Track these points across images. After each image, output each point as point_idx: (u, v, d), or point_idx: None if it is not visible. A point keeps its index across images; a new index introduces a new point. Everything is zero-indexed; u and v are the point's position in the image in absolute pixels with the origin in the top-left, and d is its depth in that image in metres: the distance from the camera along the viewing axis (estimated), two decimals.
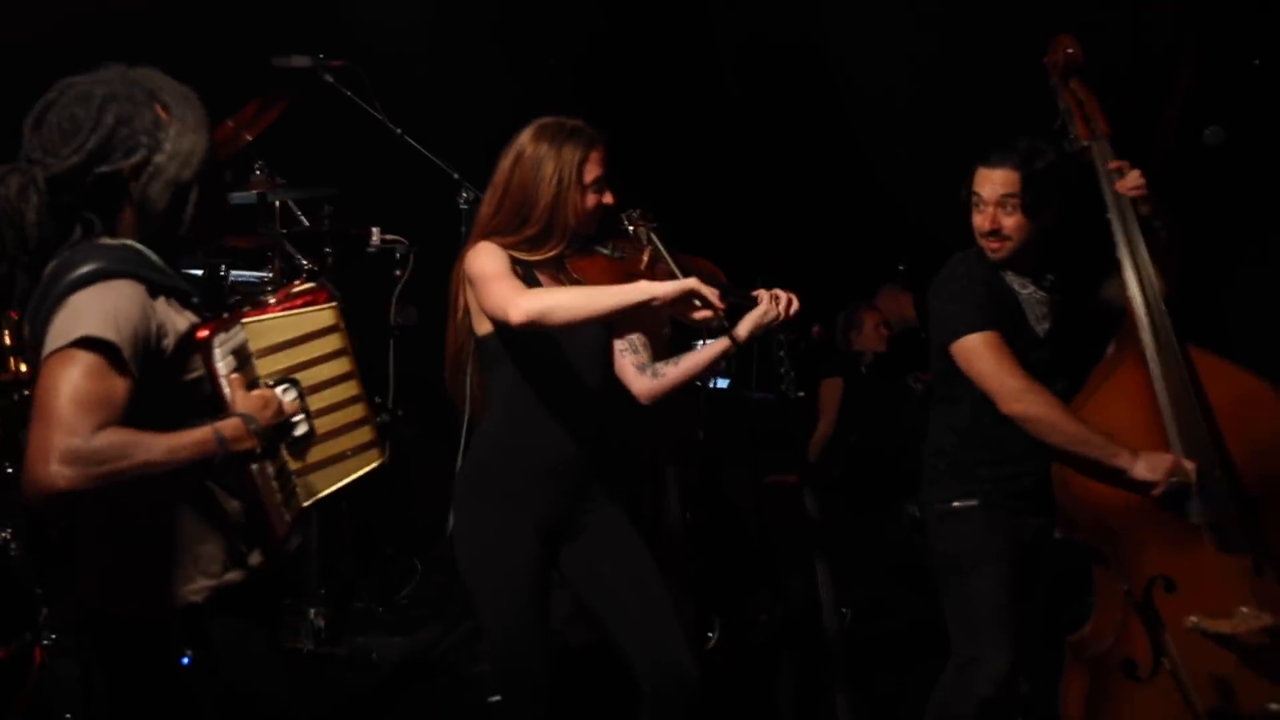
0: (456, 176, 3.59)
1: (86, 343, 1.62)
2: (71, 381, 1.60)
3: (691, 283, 2.27)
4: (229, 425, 1.72)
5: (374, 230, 3.79)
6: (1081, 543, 2.73)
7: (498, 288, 2.31)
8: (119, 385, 1.64)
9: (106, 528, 1.81)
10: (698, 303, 2.28)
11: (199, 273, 3.67)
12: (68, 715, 2.72)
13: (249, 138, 3.97)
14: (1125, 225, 2.63)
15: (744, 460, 4.06)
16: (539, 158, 2.42)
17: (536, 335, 2.36)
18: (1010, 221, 2.68)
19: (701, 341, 2.71)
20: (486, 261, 2.38)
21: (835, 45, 5.75)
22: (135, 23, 3.95)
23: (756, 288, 2.51)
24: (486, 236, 2.46)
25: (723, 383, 5.02)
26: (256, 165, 3.71)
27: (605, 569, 2.50)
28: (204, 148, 1.80)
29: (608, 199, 2.48)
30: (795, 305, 2.48)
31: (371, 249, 3.82)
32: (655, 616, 2.48)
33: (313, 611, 3.53)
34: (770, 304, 2.47)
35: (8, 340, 3.02)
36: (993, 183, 2.69)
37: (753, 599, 3.55)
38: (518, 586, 2.44)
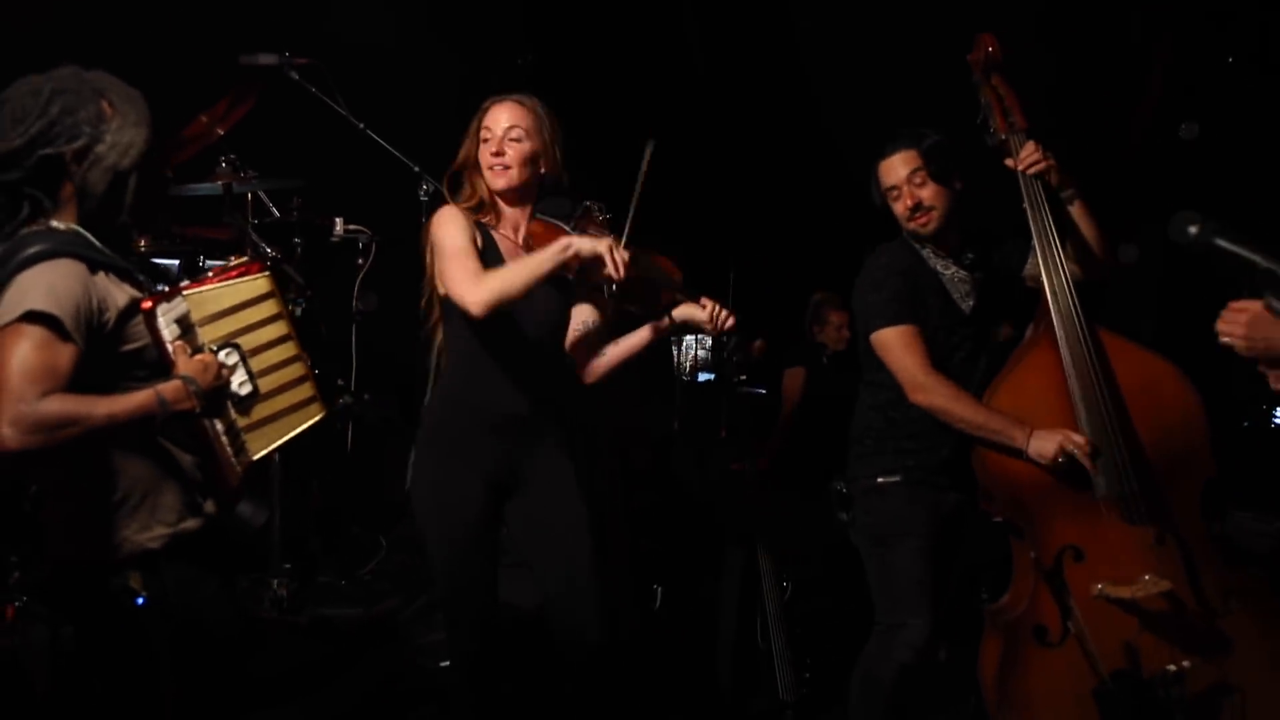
0: (417, 169, 3.74)
1: (31, 316, 1.78)
2: (19, 353, 1.76)
3: (605, 244, 2.44)
4: (169, 388, 1.89)
5: (338, 221, 3.94)
6: (998, 516, 2.90)
7: (454, 271, 2.49)
8: (63, 354, 1.80)
9: (65, 483, 1.96)
10: (606, 264, 2.44)
11: (175, 262, 3.83)
12: None
13: (220, 132, 4.12)
14: (1038, 214, 2.77)
15: (704, 445, 4.21)
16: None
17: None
18: (926, 192, 2.85)
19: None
20: (446, 233, 2.55)
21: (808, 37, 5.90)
22: (107, 23, 4.09)
23: (708, 296, 2.67)
24: (451, 200, 2.65)
25: (706, 376, 5.21)
26: (224, 158, 3.85)
27: (538, 528, 2.67)
28: (143, 141, 1.97)
29: (494, 150, 2.60)
30: (729, 324, 2.63)
31: (335, 239, 3.96)
32: (573, 582, 2.64)
33: (276, 582, 3.67)
34: (707, 311, 2.63)
35: None
36: (896, 167, 2.86)
37: (694, 572, 3.71)
38: (461, 529, 2.61)
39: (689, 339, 5.49)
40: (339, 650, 3.52)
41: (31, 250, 1.84)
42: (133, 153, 1.94)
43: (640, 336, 2.76)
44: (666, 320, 2.66)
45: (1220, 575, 2.76)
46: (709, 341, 5.46)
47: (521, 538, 2.70)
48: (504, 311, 2.51)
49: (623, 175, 2.63)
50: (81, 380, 1.82)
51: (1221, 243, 1.88)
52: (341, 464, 4.27)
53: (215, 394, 1.98)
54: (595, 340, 2.79)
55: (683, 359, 5.49)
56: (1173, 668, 2.70)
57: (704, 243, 5.41)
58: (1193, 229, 1.93)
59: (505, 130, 2.60)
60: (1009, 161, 2.80)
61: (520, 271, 2.47)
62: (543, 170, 2.66)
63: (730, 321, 2.64)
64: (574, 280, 2.63)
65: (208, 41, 4.17)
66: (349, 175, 4.08)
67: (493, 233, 2.64)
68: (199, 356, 1.97)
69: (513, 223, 2.69)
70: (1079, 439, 2.70)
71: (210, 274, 2.14)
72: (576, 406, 2.77)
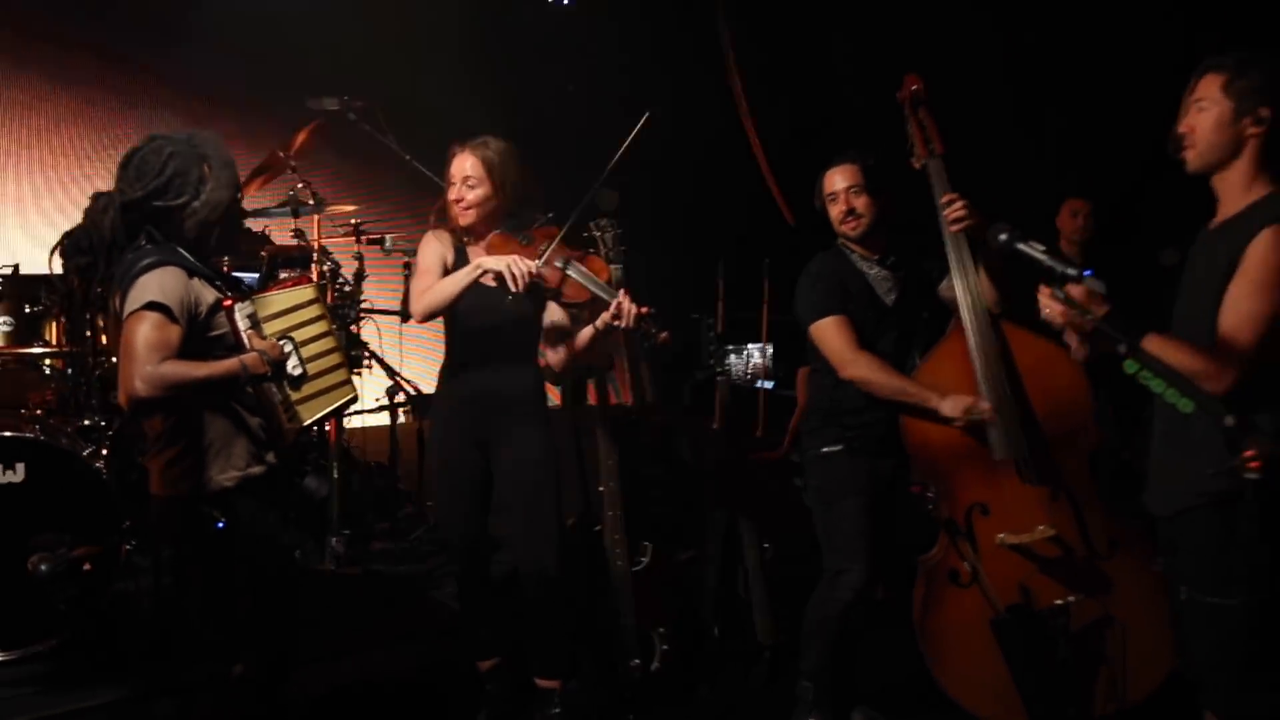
0: None
1: (151, 305, 2.47)
2: (143, 331, 2.45)
3: (505, 263, 3.05)
4: (249, 358, 2.57)
5: (388, 237, 4.62)
6: (918, 480, 3.44)
7: (412, 287, 3.27)
8: (173, 332, 2.48)
9: (166, 435, 2.65)
10: (507, 279, 3.05)
11: (255, 275, 4.56)
12: None
13: (293, 164, 4.84)
14: (957, 248, 3.26)
15: (702, 431, 4.78)
16: None
17: (461, 306, 3.21)
18: (860, 202, 3.41)
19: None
20: (421, 255, 3.29)
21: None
22: (207, 74, 4.85)
23: (625, 293, 3.25)
24: (438, 225, 3.37)
25: (765, 384, 5.79)
26: (292, 186, 4.56)
27: (507, 480, 3.34)
28: (229, 201, 2.66)
29: (454, 196, 3.28)
30: (633, 315, 3.19)
31: (385, 250, 4.65)
32: (532, 520, 3.30)
33: (334, 540, 4.37)
34: (614, 312, 3.21)
35: (100, 321, 3.91)
36: (838, 178, 3.43)
37: (681, 535, 4.32)
38: (452, 476, 3.35)
39: (750, 349, 6.07)
40: (381, 594, 4.20)
41: (147, 260, 2.54)
42: (220, 209, 2.64)
43: (587, 333, 3.40)
44: (599, 324, 3.29)
45: (1105, 526, 3.24)
46: (769, 350, 6.05)
47: (496, 486, 3.37)
48: (471, 308, 3.21)
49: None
50: (183, 354, 2.50)
51: (1020, 247, 2.45)
52: (394, 447, 4.96)
53: (278, 366, 2.65)
54: (557, 336, 3.44)
55: (746, 368, 6.07)
56: (1060, 602, 3.20)
57: (739, 248, 5.92)
58: (1002, 236, 2.50)
59: (463, 179, 3.28)
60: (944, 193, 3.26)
61: (446, 287, 3.17)
62: (499, 204, 3.31)
63: (633, 315, 3.19)
64: (529, 289, 3.20)
65: (282, 88, 4.87)
66: (399, 198, 4.73)
67: (468, 249, 3.33)
68: (266, 340, 2.64)
69: (482, 239, 3.35)
70: (984, 404, 3.20)
71: (272, 285, 2.84)
72: (541, 385, 3.39)
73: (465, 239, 3.36)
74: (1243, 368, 2.37)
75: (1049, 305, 2.44)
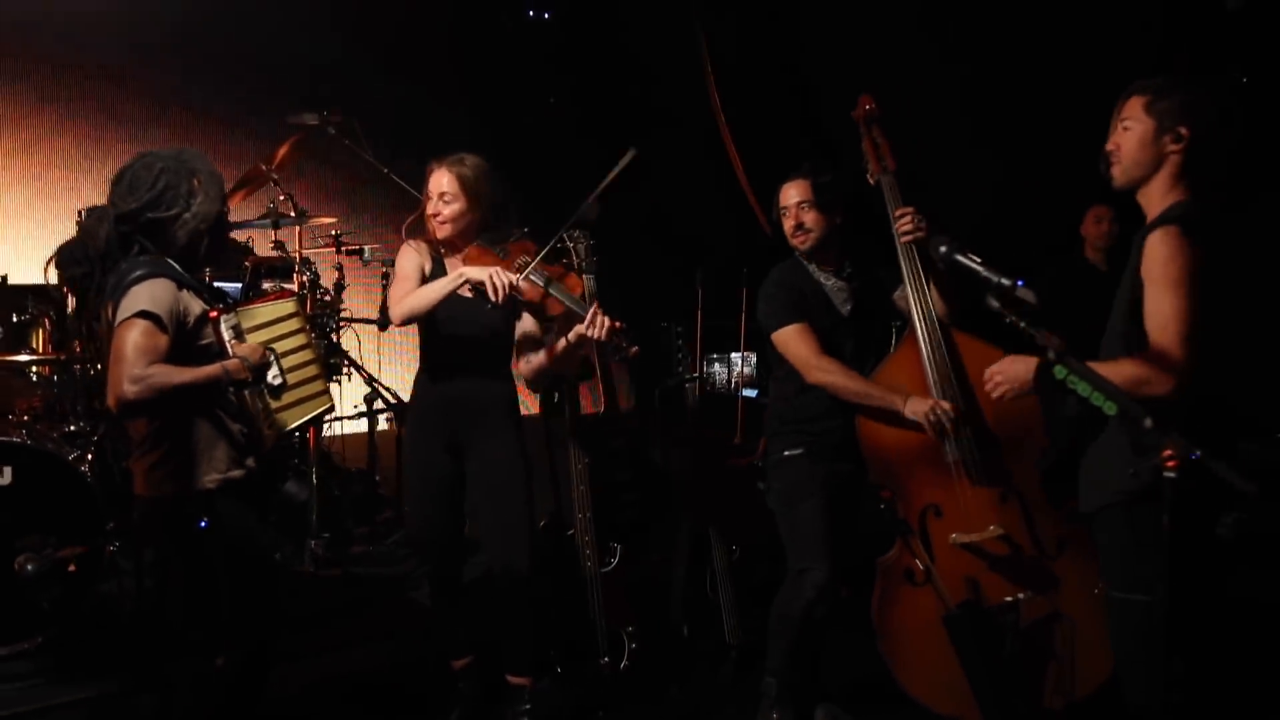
0: None
1: (141, 314, 2.59)
2: (133, 338, 2.57)
3: (488, 273, 3.16)
4: (231, 363, 2.70)
5: (366, 248, 4.75)
6: (878, 482, 3.57)
7: (392, 292, 3.39)
8: (161, 340, 2.61)
9: (150, 439, 2.77)
10: (487, 289, 3.17)
11: (238, 285, 4.68)
12: None
13: (275, 176, 4.96)
14: (908, 258, 3.39)
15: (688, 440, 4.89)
16: None
17: (439, 314, 3.33)
18: (809, 217, 3.53)
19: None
20: (399, 263, 3.43)
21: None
22: (192, 91, 4.98)
23: (597, 307, 3.34)
24: (414, 236, 3.49)
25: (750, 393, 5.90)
26: (274, 198, 4.69)
27: (479, 482, 3.46)
28: (217, 211, 2.79)
29: (431, 211, 3.41)
30: (605, 328, 3.30)
31: (365, 260, 4.78)
32: (504, 522, 3.43)
33: (312, 543, 4.49)
34: (589, 323, 3.31)
35: (92, 329, 4.02)
36: (790, 192, 3.56)
37: (651, 538, 4.43)
38: (425, 480, 3.47)
39: (733, 359, 6.19)
40: (359, 595, 4.32)
41: (139, 272, 2.67)
42: (209, 220, 2.78)
43: (559, 345, 3.52)
44: (572, 337, 3.40)
45: (1054, 526, 3.37)
46: (754, 359, 6.16)
47: (469, 489, 3.49)
48: (446, 319, 3.35)
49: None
50: (171, 361, 2.62)
51: (958, 258, 2.60)
52: (372, 453, 5.08)
53: (259, 371, 2.77)
54: (529, 346, 3.57)
55: (731, 376, 6.20)
56: (1009, 599, 3.33)
57: (715, 257, 6.00)
58: (942, 248, 2.65)
59: (440, 195, 3.41)
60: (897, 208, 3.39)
61: (426, 293, 3.29)
62: (474, 219, 3.44)
63: (605, 329, 3.30)
64: (505, 302, 3.31)
65: (262, 104, 5.00)
66: (378, 208, 4.87)
67: (445, 260, 3.46)
68: (248, 345, 2.77)
69: (459, 251, 3.47)
70: (945, 405, 3.32)
71: (255, 299, 2.96)
72: (514, 393, 3.52)
73: (442, 250, 3.48)
74: (1183, 366, 2.49)
75: (1008, 373, 2.60)
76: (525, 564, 3.43)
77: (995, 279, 2.52)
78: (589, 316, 3.33)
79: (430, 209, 3.43)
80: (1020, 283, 2.46)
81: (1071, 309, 3.47)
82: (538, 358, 3.57)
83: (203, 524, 2.72)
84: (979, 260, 2.59)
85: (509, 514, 3.43)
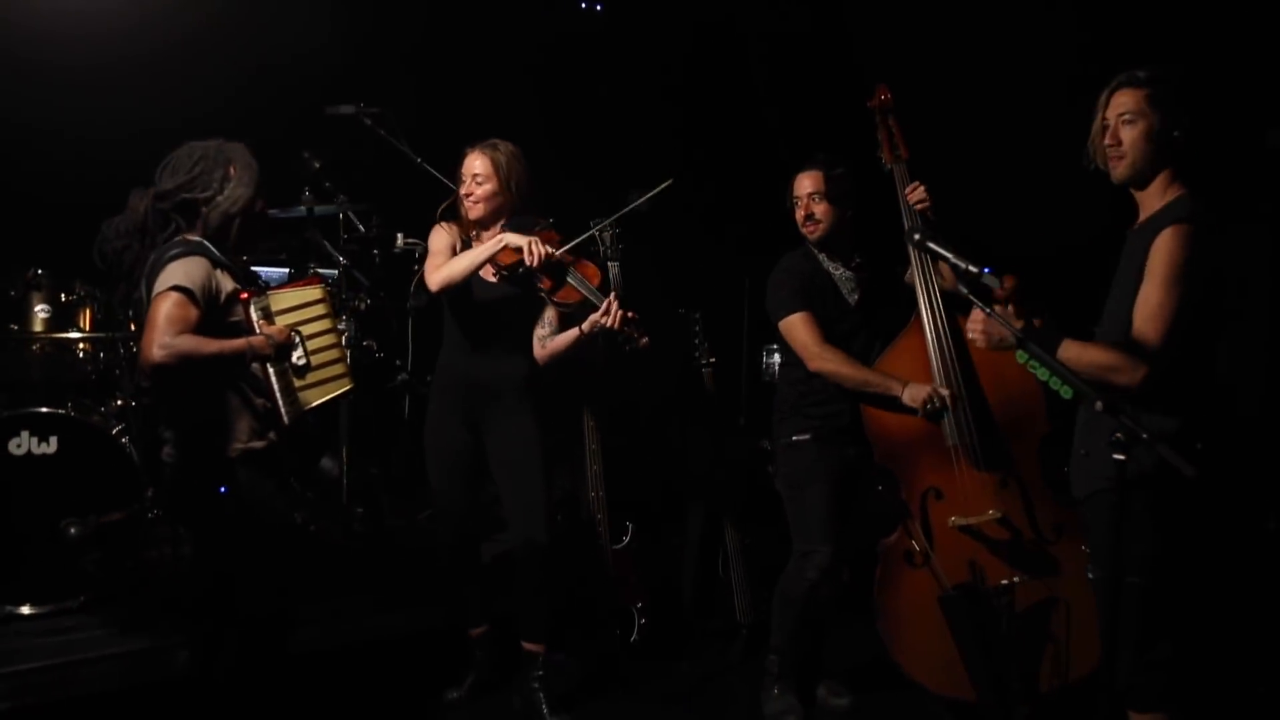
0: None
1: (175, 288, 2.77)
2: (165, 308, 2.75)
3: (528, 240, 3.34)
4: (256, 339, 2.87)
5: (399, 236, 4.90)
6: (881, 465, 3.65)
7: (428, 264, 3.51)
8: (192, 312, 2.78)
9: (179, 409, 2.95)
10: (525, 253, 3.34)
11: (287, 270, 4.85)
12: None
13: (316, 164, 5.09)
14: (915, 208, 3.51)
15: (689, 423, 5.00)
16: None
17: (455, 295, 3.50)
18: (819, 209, 3.64)
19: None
20: (431, 242, 3.60)
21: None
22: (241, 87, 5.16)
23: (613, 297, 3.54)
24: (444, 219, 3.64)
25: None
26: (308, 188, 4.85)
27: (500, 460, 3.61)
28: (249, 197, 2.96)
29: (465, 191, 3.56)
30: (619, 318, 3.48)
31: (397, 249, 4.93)
32: (522, 497, 3.57)
33: (346, 517, 4.67)
34: (603, 312, 3.49)
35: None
36: (804, 183, 3.66)
37: (664, 517, 4.57)
38: (445, 456, 3.63)
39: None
40: (386, 567, 4.49)
41: (177, 250, 2.86)
42: (240, 204, 2.95)
43: (570, 335, 3.67)
44: (585, 326, 3.61)
45: (1052, 512, 3.44)
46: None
47: (491, 467, 3.64)
48: (463, 300, 3.52)
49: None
50: (201, 334, 2.78)
51: (930, 245, 2.69)
52: (402, 431, 5.25)
53: (283, 350, 2.94)
54: (547, 333, 3.75)
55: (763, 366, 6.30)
56: (1005, 582, 3.41)
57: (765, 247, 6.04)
58: (916, 235, 2.74)
59: (473, 176, 3.55)
60: (908, 186, 3.52)
61: (464, 259, 3.44)
62: (505, 201, 3.58)
63: (619, 318, 3.47)
64: (524, 285, 3.50)
65: (299, 94, 5.14)
66: (409, 198, 4.97)
67: (474, 244, 3.59)
68: (276, 326, 2.94)
69: (489, 233, 3.61)
70: (944, 390, 3.43)
71: (284, 284, 3.14)
72: (531, 375, 3.66)
73: (472, 232, 3.63)
74: (1154, 360, 2.55)
75: (988, 325, 2.67)
76: (544, 538, 3.57)
77: (963, 265, 2.61)
78: (604, 305, 3.48)
79: (463, 189, 3.58)
80: (987, 270, 2.54)
81: None
82: (554, 343, 3.73)
83: (223, 490, 2.88)
84: (950, 248, 2.68)
85: (527, 491, 3.58)
